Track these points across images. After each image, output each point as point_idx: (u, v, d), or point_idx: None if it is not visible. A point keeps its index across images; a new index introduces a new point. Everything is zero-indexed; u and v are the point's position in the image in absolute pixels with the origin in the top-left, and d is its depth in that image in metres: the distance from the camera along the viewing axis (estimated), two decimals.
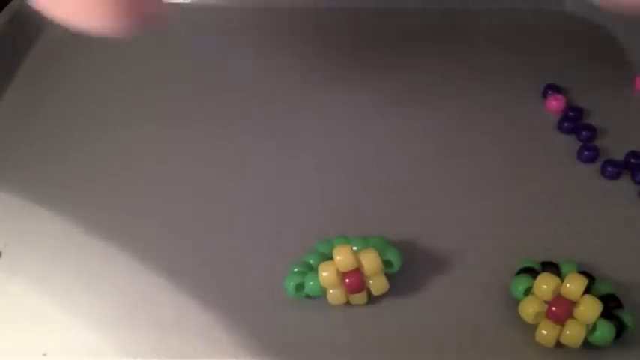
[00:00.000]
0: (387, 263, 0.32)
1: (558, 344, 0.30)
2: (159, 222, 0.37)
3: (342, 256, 0.31)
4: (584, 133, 0.42)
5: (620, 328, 0.30)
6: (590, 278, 0.32)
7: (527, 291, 0.31)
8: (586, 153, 0.41)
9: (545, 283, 0.31)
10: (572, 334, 0.30)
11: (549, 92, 0.45)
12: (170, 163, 0.41)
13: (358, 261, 0.32)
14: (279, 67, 0.49)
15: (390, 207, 0.38)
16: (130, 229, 0.37)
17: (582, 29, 0.53)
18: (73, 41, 0.52)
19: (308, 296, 0.33)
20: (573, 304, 0.30)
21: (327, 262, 0.32)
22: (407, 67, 0.49)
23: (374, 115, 0.44)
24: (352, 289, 0.32)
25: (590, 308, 0.30)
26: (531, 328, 0.31)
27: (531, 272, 0.32)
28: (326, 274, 0.31)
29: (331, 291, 0.32)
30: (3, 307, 0.33)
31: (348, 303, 0.32)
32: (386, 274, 0.32)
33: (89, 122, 0.44)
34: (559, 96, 0.45)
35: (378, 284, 0.32)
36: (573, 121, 0.43)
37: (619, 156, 0.40)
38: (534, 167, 0.40)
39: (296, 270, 0.33)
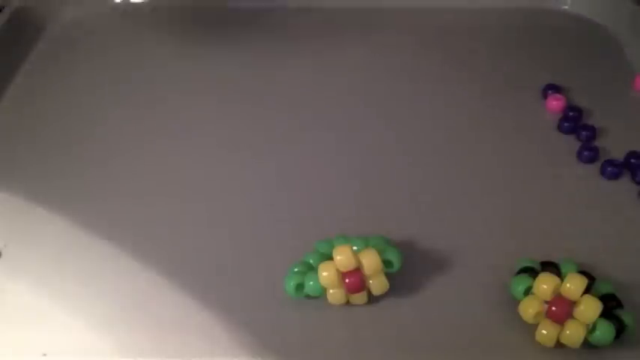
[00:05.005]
0: (387, 263, 0.32)
1: (558, 344, 0.30)
2: (159, 222, 0.37)
3: (342, 256, 0.31)
4: (584, 133, 0.42)
5: (620, 328, 0.30)
6: (590, 278, 0.32)
7: (527, 291, 0.31)
8: (586, 153, 0.41)
9: (545, 283, 0.31)
10: (572, 334, 0.30)
11: (549, 92, 0.45)
12: (171, 165, 0.41)
13: (358, 261, 0.32)
14: (279, 68, 0.49)
15: (390, 207, 0.38)
16: (130, 229, 0.37)
17: (582, 29, 0.53)
18: (73, 41, 0.52)
19: (308, 296, 0.33)
20: (573, 304, 0.30)
21: (327, 262, 0.32)
22: (407, 67, 0.49)
23: (374, 116, 0.44)
24: (352, 289, 0.32)
25: (590, 308, 0.30)
26: (531, 328, 0.31)
27: (531, 272, 0.32)
28: (326, 274, 0.31)
29: (331, 291, 0.32)
30: (3, 307, 0.33)
31: (348, 303, 0.32)
32: (386, 274, 0.32)
33: (89, 122, 0.44)
34: (559, 96, 0.45)
35: (378, 284, 0.32)
36: (573, 121, 0.43)
37: (619, 156, 0.40)
38: (534, 167, 0.40)
39: (296, 270, 0.33)
